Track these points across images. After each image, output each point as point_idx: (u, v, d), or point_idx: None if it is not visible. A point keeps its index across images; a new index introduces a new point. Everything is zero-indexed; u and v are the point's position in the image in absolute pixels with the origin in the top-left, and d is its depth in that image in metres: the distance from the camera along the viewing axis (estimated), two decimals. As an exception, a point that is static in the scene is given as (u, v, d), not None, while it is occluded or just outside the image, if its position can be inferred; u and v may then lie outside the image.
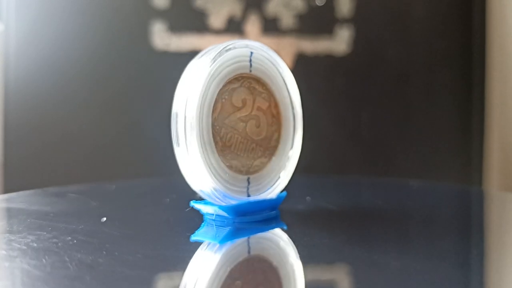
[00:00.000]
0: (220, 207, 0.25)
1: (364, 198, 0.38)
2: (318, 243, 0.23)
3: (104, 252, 0.21)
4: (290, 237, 0.25)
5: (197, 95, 0.24)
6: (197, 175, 0.25)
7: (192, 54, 0.31)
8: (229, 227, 0.25)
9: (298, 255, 0.22)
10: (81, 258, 0.20)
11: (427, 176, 0.75)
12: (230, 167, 0.25)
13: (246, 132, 0.26)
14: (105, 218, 0.27)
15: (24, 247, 0.22)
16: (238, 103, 0.25)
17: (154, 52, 0.71)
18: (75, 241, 0.23)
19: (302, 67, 0.71)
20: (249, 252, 0.23)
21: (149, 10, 0.71)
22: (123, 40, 0.71)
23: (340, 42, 0.73)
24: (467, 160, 0.76)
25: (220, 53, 0.25)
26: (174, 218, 0.28)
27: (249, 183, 0.26)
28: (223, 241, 0.24)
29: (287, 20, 0.72)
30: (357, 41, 0.73)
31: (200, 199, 0.27)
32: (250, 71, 0.26)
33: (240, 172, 0.25)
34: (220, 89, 0.25)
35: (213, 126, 0.24)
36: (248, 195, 0.26)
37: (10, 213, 0.29)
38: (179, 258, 0.21)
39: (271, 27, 0.72)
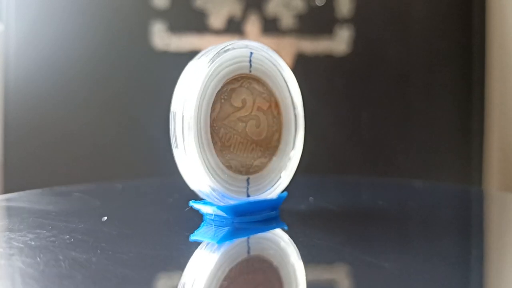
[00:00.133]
0: (218, 207, 0.25)
1: (364, 198, 0.38)
2: (318, 243, 0.23)
3: (99, 251, 0.21)
4: (290, 237, 0.25)
5: (195, 96, 0.24)
6: (195, 175, 0.25)
7: (192, 54, 0.31)
8: (228, 227, 0.25)
9: (297, 255, 0.22)
10: (75, 257, 0.20)
11: (427, 176, 0.75)
12: (229, 167, 0.25)
13: (246, 132, 0.25)
14: (105, 218, 0.27)
15: (22, 245, 0.22)
16: (238, 103, 0.25)
17: (154, 52, 0.71)
18: (72, 240, 0.23)
19: (302, 67, 0.71)
20: (248, 252, 0.23)
21: (149, 10, 0.71)
22: (123, 40, 0.71)
23: (340, 42, 0.73)
24: (467, 160, 0.76)
25: (218, 54, 0.25)
26: (174, 218, 0.28)
27: (248, 183, 0.26)
28: (221, 241, 0.24)
29: (287, 20, 0.72)
30: (357, 41, 0.73)
31: (201, 199, 0.27)
32: (250, 71, 0.26)
33: (239, 172, 0.25)
34: (219, 90, 0.25)
35: (212, 126, 0.24)
36: (248, 195, 0.26)
37: (14, 212, 0.30)
38: (174, 258, 0.22)
39: (271, 27, 0.72)
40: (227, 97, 0.25)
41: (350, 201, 0.34)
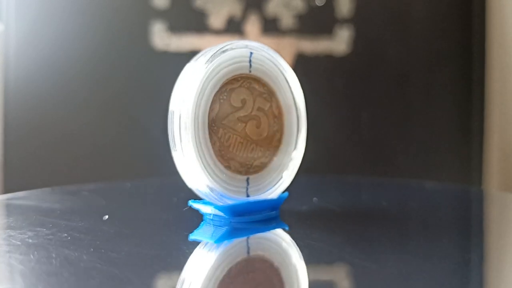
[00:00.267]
0: (216, 207, 0.25)
1: (364, 198, 0.38)
2: (318, 243, 0.23)
3: (92, 249, 0.22)
4: (290, 238, 0.25)
5: (192, 96, 0.24)
6: (193, 175, 0.25)
7: (192, 54, 0.31)
8: (226, 227, 0.25)
9: (296, 255, 0.22)
10: (67, 255, 0.21)
11: (427, 176, 0.75)
12: (228, 167, 0.25)
13: (246, 132, 0.25)
14: (107, 216, 0.27)
15: (19, 243, 0.22)
16: (237, 103, 0.25)
17: (154, 52, 0.71)
18: (69, 238, 0.23)
19: (302, 67, 0.71)
20: (247, 252, 0.23)
21: (149, 10, 0.71)
22: (123, 40, 0.71)
23: (340, 42, 0.73)
24: (467, 160, 0.76)
25: (215, 55, 0.25)
26: (175, 218, 0.28)
27: (248, 183, 0.26)
28: (219, 240, 0.24)
29: (287, 20, 0.72)
30: (357, 41, 0.73)
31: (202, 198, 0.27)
32: (250, 71, 0.26)
33: (239, 172, 0.25)
34: (218, 90, 0.25)
35: (210, 126, 0.24)
36: (248, 195, 0.26)
37: (20, 209, 0.30)
38: (166, 257, 0.22)
39: (271, 27, 0.72)
40: (227, 97, 0.25)
41: (350, 201, 0.34)
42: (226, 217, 0.26)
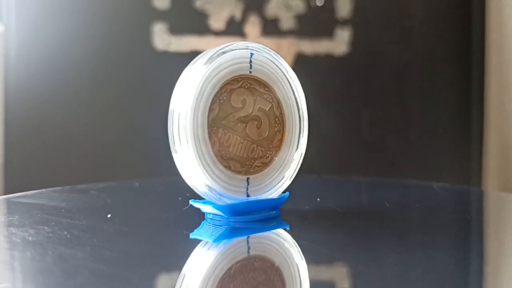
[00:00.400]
0: (215, 206, 0.25)
1: (364, 198, 0.38)
2: (318, 243, 0.24)
3: (88, 247, 0.22)
4: (289, 237, 0.25)
5: (191, 97, 0.24)
6: (192, 175, 0.25)
7: (192, 54, 0.31)
8: (226, 226, 0.26)
9: (296, 255, 0.22)
10: (62, 252, 0.21)
11: (426, 176, 0.75)
12: (228, 167, 0.25)
13: (246, 132, 0.26)
14: (110, 215, 0.28)
15: (18, 240, 0.23)
16: (237, 103, 0.25)
17: (154, 52, 0.71)
18: (68, 236, 0.23)
19: (302, 68, 0.71)
20: (248, 251, 0.23)
21: (149, 11, 0.71)
22: (123, 40, 0.71)
23: (340, 43, 0.73)
24: (466, 160, 0.76)
25: (214, 56, 0.25)
26: (177, 217, 0.28)
27: (248, 183, 0.26)
28: (217, 240, 0.24)
29: (287, 21, 0.73)
30: (357, 42, 0.73)
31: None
32: (250, 72, 0.26)
33: (239, 172, 0.25)
34: (218, 90, 0.25)
35: (210, 126, 0.25)
36: (248, 195, 0.26)
37: (27, 208, 0.30)
38: (161, 255, 0.22)
39: (271, 28, 0.73)
40: (227, 97, 0.25)
41: (350, 201, 0.34)
42: (225, 216, 0.26)
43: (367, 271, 0.20)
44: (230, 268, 0.20)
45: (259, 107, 0.26)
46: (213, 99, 0.25)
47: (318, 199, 0.33)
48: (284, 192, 0.27)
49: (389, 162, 0.75)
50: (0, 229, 0.26)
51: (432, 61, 0.76)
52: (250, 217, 0.26)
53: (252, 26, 0.72)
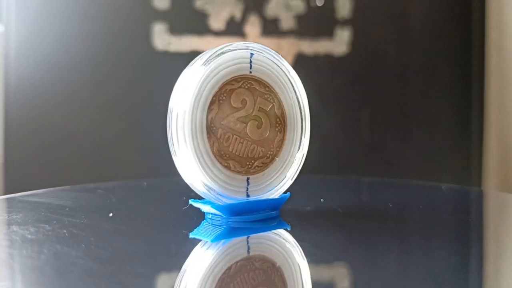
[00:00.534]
0: (214, 206, 0.25)
1: (364, 198, 0.38)
2: (319, 243, 0.24)
3: (83, 245, 0.22)
4: (289, 237, 0.25)
5: (190, 97, 0.24)
6: (191, 174, 0.25)
7: (192, 55, 0.31)
8: (225, 226, 0.26)
9: (295, 255, 0.22)
10: (57, 250, 0.21)
11: (426, 176, 0.75)
12: (227, 167, 0.25)
13: (246, 132, 0.26)
14: (111, 214, 0.28)
15: (17, 238, 0.23)
16: (237, 104, 0.25)
17: (154, 52, 0.71)
18: (67, 234, 0.24)
19: (302, 68, 0.71)
20: (248, 251, 0.23)
21: (149, 11, 0.71)
22: (123, 41, 0.71)
23: (339, 43, 0.73)
24: (466, 160, 0.76)
25: (213, 56, 0.25)
26: (178, 216, 0.28)
27: (248, 183, 0.26)
28: (215, 240, 0.24)
29: (287, 21, 0.73)
30: (357, 42, 0.73)
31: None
32: (250, 72, 0.26)
33: (239, 172, 0.25)
34: (217, 91, 0.25)
35: (209, 127, 0.25)
36: (248, 195, 0.26)
37: (33, 206, 0.31)
38: (155, 254, 0.22)
39: (271, 28, 0.73)
40: (226, 98, 0.25)
41: (351, 202, 0.34)
42: (224, 216, 0.26)
43: (367, 272, 0.20)
44: (229, 268, 0.20)
45: (260, 107, 0.26)
46: (212, 99, 0.25)
47: (322, 199, 0.33)
48: (285, 192, 0.27)
49: (389, 162, 0.75)
50: (2, 226, 0.26)
51: (432, 61, 0.76)
52: (249, 217, 0.26)
53: (252, 26, 0.72)
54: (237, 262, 0.21)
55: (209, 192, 0.25)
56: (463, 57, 0.76)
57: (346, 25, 0.73)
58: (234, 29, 0.71)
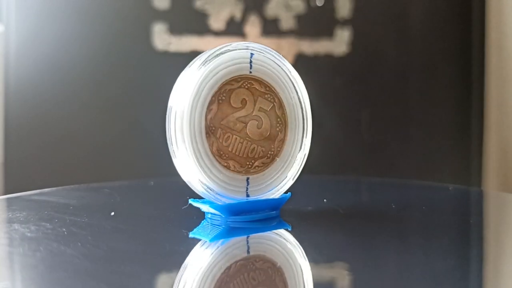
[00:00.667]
0: (212, 206, 0.25)
1: (365, 198, 0.38)
2: (319, 244, 0.24)
3: (79, 244, 0.22)
4: (289, 238, 0.25)
5: (188, 98, 0.24)
6: (190, 174, 0.25)
7: (192, 55, 0.31)
8: (224, 226, 0.26)
9: (295, 255, 0.22)
10: (53, 249, 0.21)
11: (427, 176, 0.75)
12: (227, 167, 0.25)
13: (246, 132, 0.26)
14: (113, 213, 0.28)
15: (17, 236, 0.23)
16: (237, 104, 0.25)
17: (154, 53, 0.71)
18: (65, 232, 0.24)
19: (302, 68, 0.71)
20: (247, 251, 0.23)
21: (149, 11, 0.71)
22: (123, 41, 0.71)
23: (340, 43, 0.73)
24: (466, 160, 0.76)
25: (212, 56, 0.25)
26: (179, 215, 0.28)
27: (248, 183, 0.26)
28: (214, 239, 0.24)
29: (287, 21, 0.73)
30: (357, 42, 0.73)
31: None
32: (250, 72, 0.26)
33: (238, 172, 0.25)
34: (216, 91, 0.25)
35: (208, 127, 0.25)
36: (247, 195, 0.26)
37: (37, 205, 0.31)
38: (151, 254, 0.22)
39: (271, 28, 0.73)
40: (225, 98, 0.25)
41: (352, 202, 0.34)
42: (223, 216, 0.26)
43: (367, 272, 0.20)
44: (228, 268, 0.20)
45: (260, 107, 0.26)
46: (211, 99, 0.25)
47: (324, 200, 0.33)
48: (286, 192, 0.27)
49: (389, 162, 0.75)
50: (4, 224, 0.26)
51: (432, 61, 0.76)
52: (249, 217, 0.26)
53: (252, 26, 0.72)
54: (236, 262, 0.21)
55: (208, 192, 0.25)
56: (463, 57, 0.76)
57: (346, 25, 0.73)
58: (234, 29, 0.71)
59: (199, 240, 0.24)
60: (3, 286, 0.18)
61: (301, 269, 0.20)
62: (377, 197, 0.38)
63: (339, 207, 0.30)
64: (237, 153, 0.25)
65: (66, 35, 0.69)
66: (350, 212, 0.30)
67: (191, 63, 0.26)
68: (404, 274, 0.20)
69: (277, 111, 0.26)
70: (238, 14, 0.71)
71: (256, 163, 0.26)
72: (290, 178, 0.27)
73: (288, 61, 0.27)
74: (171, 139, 0.25)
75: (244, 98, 0.26)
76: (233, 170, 0.25)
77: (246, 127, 0.26)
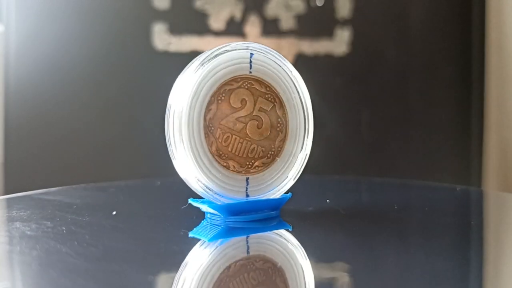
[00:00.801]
0: (211, 205, 0.25)
1: (365, 198, 0.38)
2: (319, 244, 0.24)
3: (76, 243, 0.22)
4: (289, 238, 0.25)
5: (187, 98, 0.24)
6: (189, 174, 0.25)
7: (192, 55, 0.31)
8: (223, 225, 0.26)
9: (295, 255, 0.22)
10: (50, 247, 0.21)
11: (427, 176, 0.75)
12: (226, 167, 0.25)
13: (246, 132, 0.26)
14: (115, 212, 0.28)
15: (17, 234, 0.23)
16: (237, 104, 0.25)
17: (154, 53, 0.71)
18: (64, 231, 0.24)
19: (302, 68, 0.71)
20: (247, 251, 0.23)
21: (149, 11, 0.71)
22: (123, 41, 0.71)
23: (340, 43, 0.73)
24: (466, 160, 0.76)
25: (208, 57, 0.25)
26: (180, 215, 0.28)
27: (248, 183, 0.26)
28: (213, 239, 0.24)
29: (287, 21, 0.73)
30: (357, 42, 0.73)
31: None
32: (250, 72, 0.26)
33: (238, 172, 0.25)
34: (216, 91, 0.25)
35: (207, 127, 0.25)
36: (247, 195, 0.26)
37: (42, 204, 0.31)
38: (147, 253, 0.22)
39: (271, 28, 0.72)
40: (225, 98, 0.25)
41: (350, 201, 0.34)
42: (222, 216, 0.26)
43: (367, 273, 0.20)
44: (228, 268, 0.20)
45: (260, 107, 0.26)
46: (210, 99, 0.25)
47: (328, 200, 0.33)
48: (287, 192, 0.27)
49: (389, 162, 0.75)
50: (6, 223, 0.26)
51: (432, 61, 0.76)
52: (249, 217, 0.26)
53: (252, 26, 0.71)
54: (236, 262, 0.21)
55: (207, 191, 0.25)
56: (463, 57, 0.76)
57: (346, 25, 0.73)
58: (234, 29, 0.71)
59: (199, 240, 0.24)
60: None
61: (302, 269, 0.20)
62: (377, 197, 0.38)
63: (340, 207, 0.30)
64: (236, 153, 0.25)
65: (66, 35, 0.69)
66: (350, 212, 0.30)
67: (190, 63, 0.26)
68: (404, 274, 0.20)
69: (277, 111, 0.26)
70: (238, 14, 0.71)
71: (256, 163, 0.26)
72: (291, 178, 0.27)
73: (288, 61, 0.27)
74: (169, 139, 0.25)
75: (244, 98, 0.25)
76: (232, 170, 0.25)
77: (246, 127, 0.26)
